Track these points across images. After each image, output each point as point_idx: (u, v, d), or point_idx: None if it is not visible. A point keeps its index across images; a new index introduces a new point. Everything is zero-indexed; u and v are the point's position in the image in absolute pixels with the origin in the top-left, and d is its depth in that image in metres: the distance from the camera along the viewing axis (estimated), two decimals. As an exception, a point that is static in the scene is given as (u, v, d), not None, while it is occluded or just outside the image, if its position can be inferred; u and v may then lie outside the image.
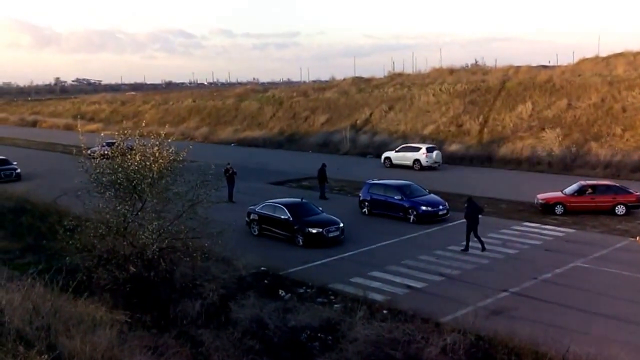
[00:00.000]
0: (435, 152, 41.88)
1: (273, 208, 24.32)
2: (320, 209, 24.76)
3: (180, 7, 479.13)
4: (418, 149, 42.18)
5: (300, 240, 22.89)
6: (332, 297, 17.20)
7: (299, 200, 25.29)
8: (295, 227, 23.08)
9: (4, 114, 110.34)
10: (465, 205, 22.22)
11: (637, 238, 22.22)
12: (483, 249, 21.49)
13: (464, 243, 21.75)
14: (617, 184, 28.10)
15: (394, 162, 42.85)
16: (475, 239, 21.62)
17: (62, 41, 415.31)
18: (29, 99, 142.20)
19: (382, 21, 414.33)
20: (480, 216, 22.22)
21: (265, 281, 18.42)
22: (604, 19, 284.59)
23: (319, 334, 14.49)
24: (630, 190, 27.03)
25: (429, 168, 40.85)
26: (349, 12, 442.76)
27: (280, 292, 17.52)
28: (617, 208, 26.36)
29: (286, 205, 24.21)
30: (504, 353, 13.04)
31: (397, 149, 43.91)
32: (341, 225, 23.39)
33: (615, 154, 37.77)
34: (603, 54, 54.29)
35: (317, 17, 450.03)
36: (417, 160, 41.53)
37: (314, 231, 22.72)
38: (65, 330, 10.40)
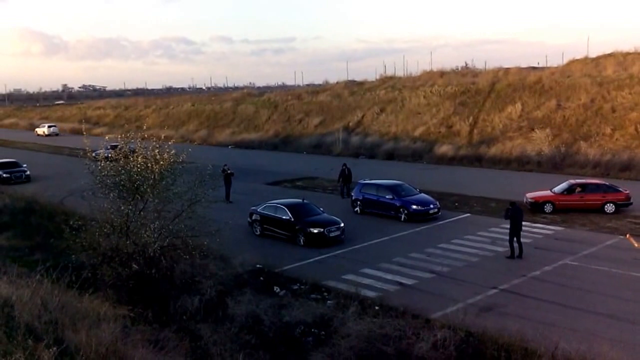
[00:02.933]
0: (52, 128, 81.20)
1: (275, 209, 24.31)
2: (322, 209, 24.72)
3: (183, 15, 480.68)
4: (45, 125, 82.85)
5: (302, 240, 22.84)
6: (325, 294, 17.35)
7: (300, 200, 25.22)
8: (297, 227, 23.05)
9: (14, 119, 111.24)
10: (509, 208, 20.97)
11: (627, 235, 22.18)
12: (520, 255, 20.40)
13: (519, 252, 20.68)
14: (607, 183, 28.05)
15: (38, 133, 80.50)
16: (516, 243, 20.59)
17: (70, 49, 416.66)
18: (38, 104, 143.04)
19: (376, 26, 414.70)
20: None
21: (261, 278, 18.60)
22: (594, 20, 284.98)
23: (312, 329, 14.65)
24: (620, 189, 27.01)
25: (51, 135, 78.85)
26: (344, 17, 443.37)
27: (275, 289, 17.70)
28: (606, 206, 26.31)
29: (287, 205, 24.18)
30: (494, 349, 13.03)
31: (40, 125, 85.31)
32: (342, 225, 23.36)
33: (604, 153, 37.76)
34: (592, 55, 54.38)
35: (312, 23, 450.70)
36: (43, 131, 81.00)
37: (316, 231, 22.70)
38: (71, 324, 10.60)
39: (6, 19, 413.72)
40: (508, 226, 20.82)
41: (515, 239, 20.66)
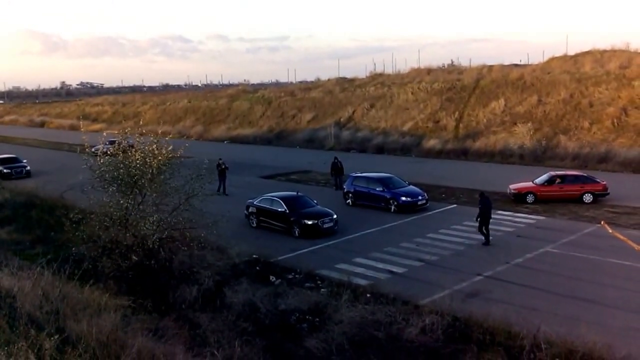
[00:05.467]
0: None
1: (270, 201, 24.21)
2: (315, 201, 24.63)
3: (181, 14, 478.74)
4: None
5: (297, 232, 22.77)
6: (319, 282, 17.32)
7: (295, 193, 25.13)
8: (292, 219, 22.94)
9: (14, 116, 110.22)
10: (479, 199, 21.42)
11: (602, 222, 22.34)
12: (486, 243, 20.81)
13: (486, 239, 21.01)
14: (585, 174, 28.23)
15: None
16: (485, 231, 20.96)
17: (68, 47, 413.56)
18: (37, 101, 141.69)
19: (367, 25, 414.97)
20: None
21: (257, 268, 18.53)
22: (573, 20, 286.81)
23: (307, 317, 14.63)
24: (597, 180, 27.20)
25: None
26: (336, 17, 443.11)
27: (271, 278, 17.64)
28: (584, 196, 26.47)
29: (282, 198, 24.10)
30: (479, 333, 13.11)
31: None
32: (335, 216, 23.29)
33: (583, 146, 37.99)
34: (571, 53, 54.57)
35: (306, 22, 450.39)
36: None
37: (310, 223, 22.62)
38: (72, 314, 10.51)
39: (6, 18, 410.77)
40: (493, 216, 20.96)
41: (483, 227, 20.98)
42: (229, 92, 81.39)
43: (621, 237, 11.95)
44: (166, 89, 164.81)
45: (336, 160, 32.59)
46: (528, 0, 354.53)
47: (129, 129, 19.34)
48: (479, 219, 21.02)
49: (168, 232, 17.97)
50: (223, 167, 31.87)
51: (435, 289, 16.60)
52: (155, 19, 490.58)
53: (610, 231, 11.81)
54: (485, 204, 21.13)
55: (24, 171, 40.99)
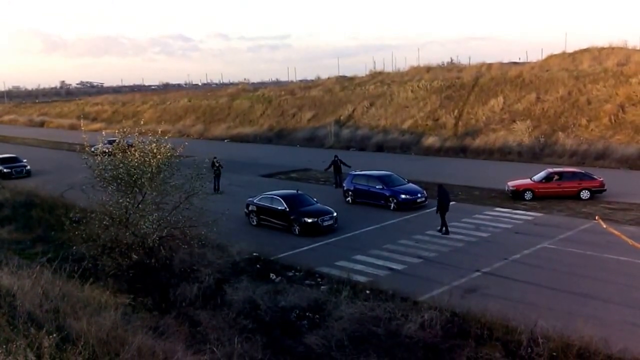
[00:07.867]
0: None
1: (270, 199, 24.18)
2: (315, 199, 24.60)
3: (181, 13, 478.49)
4: None
5: (297, 230, 22.73)
6: (319, 279, 17.34)
7: (295, 191, 25.11)
8: (292, 217, 22.91)
9: (14, 115, 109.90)
10: (437, 191, 22.46)
11: (597, 217, 22.32)
12: (445, 232, 21.79)
13: (442, 227, 22.04)
14: (582, 171, 28.16)
15: None
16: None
17: (68, 47, 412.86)
18: (37, 101, 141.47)
19: (367, 24, 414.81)
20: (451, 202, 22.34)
21: (257, 266, 18.55)
22: (571, 17, 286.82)
23: (307, 313, 14.65)
24: (594, 177, 27.17)
25: None
26: (337, 15, 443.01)
27: (271, 276, 17.66)
28: (582, 193, 26.46)
29: (282, 196, 24.06)
30: (477, 328, 13.13)
31: None
32: (334, 214, 23.27)
33: (580, 143, 37.97)
34: (569, 50, 54.38)
35: (307, 20, 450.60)
36: None
37: (310, 221, 22.58)
38: (72, 312, 10.51)
39: (6, 18, 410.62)
40: (489, 212, 21.00)
41: (442, 216, 21.76)
42: (229, 91, 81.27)
43: (616, 232, 11.88)
44: (166, 88, 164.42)
45: (336, 159, 32.60)
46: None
47: (128, 128, 19.32)
48: (438, 210, 21.93)
49: (168, 231, 17.99)
50: (218, 165, 31.72)
51: (434, 285, 16.61)
52: (156, 17, 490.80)
53: (605, 226, 11.82)
54: (443, 195, 21.95)
55: (24, 171, 40.95)
